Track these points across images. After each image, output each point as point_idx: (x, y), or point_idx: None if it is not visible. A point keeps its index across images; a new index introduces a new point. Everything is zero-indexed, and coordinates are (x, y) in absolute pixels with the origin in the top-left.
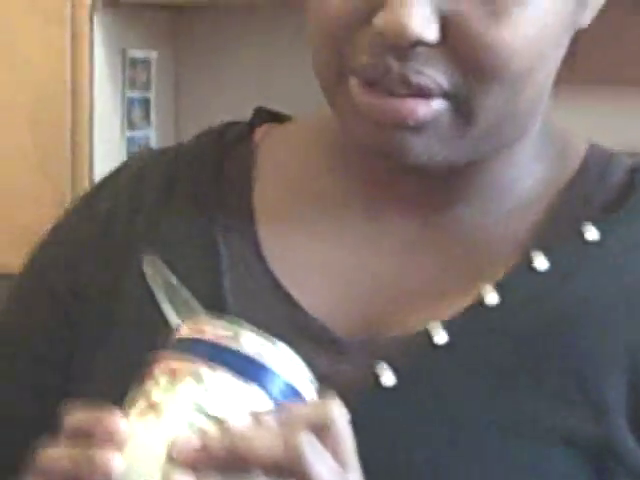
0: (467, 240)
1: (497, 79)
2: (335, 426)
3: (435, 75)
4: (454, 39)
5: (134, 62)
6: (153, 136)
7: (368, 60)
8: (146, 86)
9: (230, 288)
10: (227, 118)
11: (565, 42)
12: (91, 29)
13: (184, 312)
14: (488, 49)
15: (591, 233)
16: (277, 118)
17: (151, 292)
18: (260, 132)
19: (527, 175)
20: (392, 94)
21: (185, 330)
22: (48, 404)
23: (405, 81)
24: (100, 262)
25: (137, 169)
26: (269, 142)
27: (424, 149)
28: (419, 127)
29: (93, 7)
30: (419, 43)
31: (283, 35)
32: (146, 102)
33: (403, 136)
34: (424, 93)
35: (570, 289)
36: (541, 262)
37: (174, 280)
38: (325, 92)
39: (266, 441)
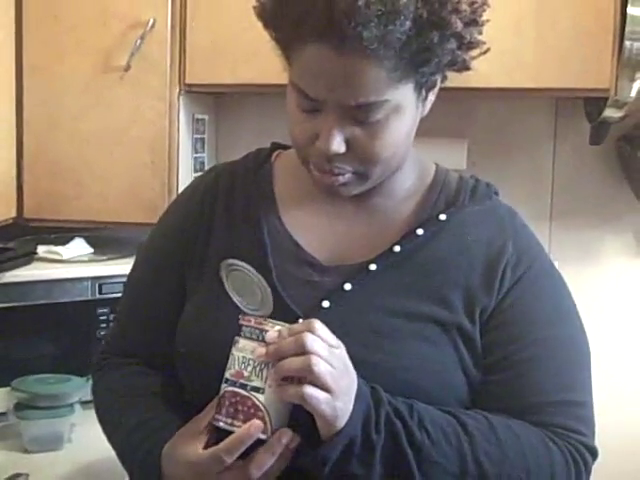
0: (379, 215)
1: (377, 164)
2: (315, 326)
3: (345, 167)
4: (353, 149)
5: (198, 120)
6: (206, 157)
7: (316, 165)
8: (203, 132)
9: (270, 244)
10: (243, 149)
11: (416, 126)
12: (178, 103)
13: (244, 296)
14: (369, 154)
15: (442, 216)
16: (284, 146)
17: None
18: (275, 154)
19: (406, 181)
20: (327, 174)
21: (248, 321)
22: (176, 300)
23: (332, 172)
24: (197, 227)
25: (215, 175)
26: (280, 160)
27: (346, 192)
28: (340, 185)
29: (180, 92)
30: (337, 154)
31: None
32: (203, 140)
33: (335, 189)
34: (340, 174)
35: (434, 244)
36: (419, 231)
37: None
38: (301, 163)
39: (287, 344)
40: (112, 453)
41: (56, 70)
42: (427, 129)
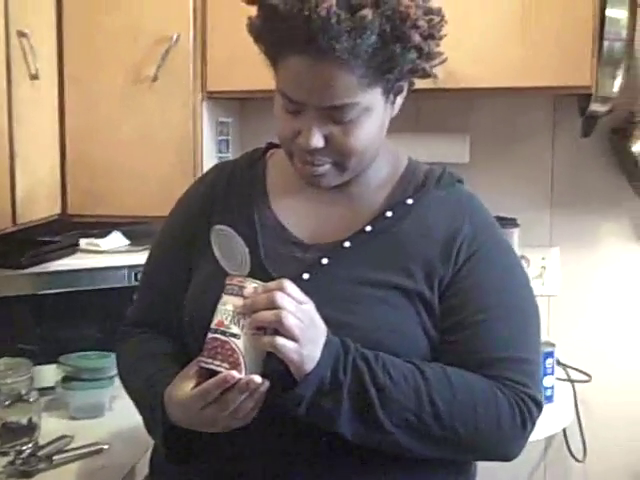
0: (356, 201)
1: (352, 157)
2: (285, 285)
3: (324, 159)
4: (330, 144)
5: (221, 123)
6: (230, 157)
7: (299, 157)
8: (227, 134)
9: (260, 229)
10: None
11: (386, 125)
12: (202, 108)
13: (231, 264)
14: (344, 148)
15: (409, 201)
16: (278, 145)
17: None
18: (269, 153)
19: (380, 172)
20: (308, 165)
21: (231, 280)
22: (182, 278)
23: (312, 163)
24: (202, 211)
25: (218, 171)
26: (273, 158)
27: (325, 183)
28: (320, 176)
29: (202, 98)
30: (316, 148)
31: None
32: (227, 141)
33: (315, 180)
34: (320, 165)
35: (400, 225)
36: (389, 213)
37: (229, 240)
38: (286, 157)
39: (260, 299)
40: None
41: (93, 82)
42: (433, 126)
